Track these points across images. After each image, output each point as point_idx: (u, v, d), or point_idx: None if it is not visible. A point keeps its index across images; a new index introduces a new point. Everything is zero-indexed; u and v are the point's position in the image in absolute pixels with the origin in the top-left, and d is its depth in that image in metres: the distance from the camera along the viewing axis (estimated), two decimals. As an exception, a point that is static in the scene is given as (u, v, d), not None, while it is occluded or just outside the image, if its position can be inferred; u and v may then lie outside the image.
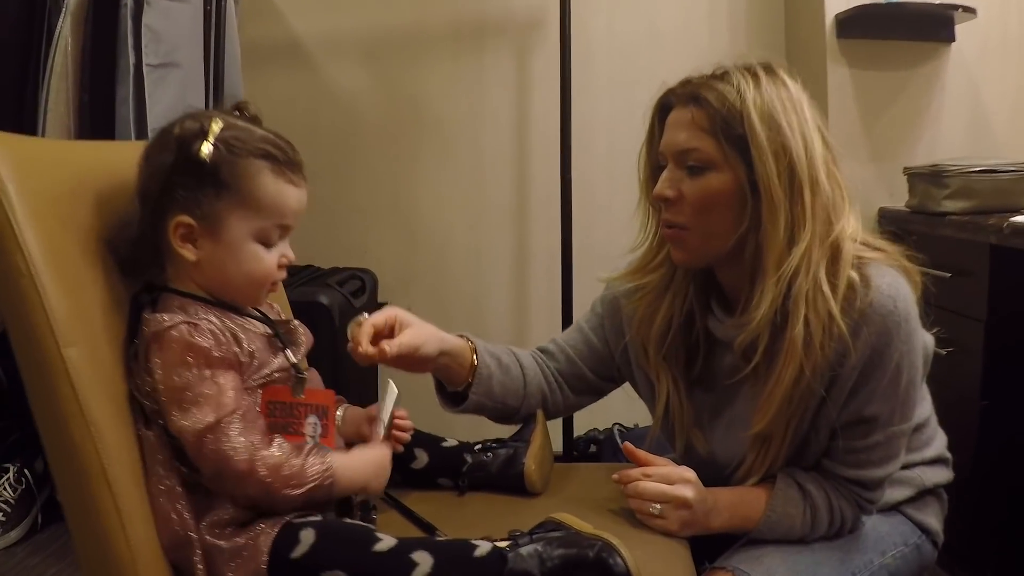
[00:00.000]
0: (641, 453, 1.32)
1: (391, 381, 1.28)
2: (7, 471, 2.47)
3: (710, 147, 1.24)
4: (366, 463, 1.16)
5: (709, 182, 1.25)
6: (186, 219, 1.11)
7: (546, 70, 2.70)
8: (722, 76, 1.26)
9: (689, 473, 1.28)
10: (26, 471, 2.47)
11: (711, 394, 1.40)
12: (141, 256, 1.15)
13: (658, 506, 1.26)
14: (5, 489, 2.43)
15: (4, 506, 2.40)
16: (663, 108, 1.32)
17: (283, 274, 1.19)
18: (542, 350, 1.56)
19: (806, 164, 1.21)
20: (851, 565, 1.32)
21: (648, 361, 1.41)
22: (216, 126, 1.12)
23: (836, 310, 1.20)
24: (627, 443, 1.39)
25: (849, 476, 1.30)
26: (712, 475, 1.33)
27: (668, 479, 1.27)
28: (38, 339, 0.99)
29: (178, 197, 1.11)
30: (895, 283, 1.24)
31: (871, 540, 1.36)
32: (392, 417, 1.26)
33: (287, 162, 1.15)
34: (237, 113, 1.18)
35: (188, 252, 1.13)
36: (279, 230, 1.16)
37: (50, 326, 0.99)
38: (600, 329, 1.51)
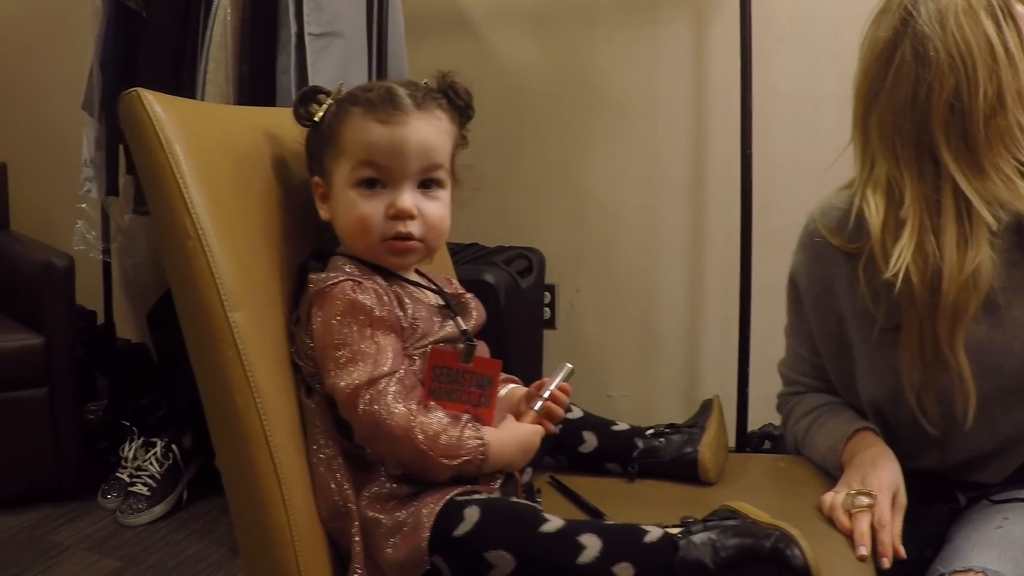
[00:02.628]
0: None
1: (568, 363, 1.27)
2: (154, 445, 2.58)
3: None
4: (515, 440, 1.15)
5: None
6: (316, 179, 1.20)
7: (725, 40, 2.61)
8: None
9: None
10: (173, 447, 2.57)
11: None
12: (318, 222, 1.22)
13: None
14: (152, 463, 2.54)
15: (150, 480, 2.51)
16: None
17: (395, 226, 1.16)
18: (792, 392, 1.54)
19: None
20: None
21: None
22: (342, 90, 1.21)
23: None
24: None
25: None
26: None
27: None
28: (204, 302, 1.03)
29: (314, 160, 1.21)
30: None
31: None
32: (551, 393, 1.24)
33: (380, 101, 1.16)
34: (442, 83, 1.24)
35: (324, 212, 1.20)
36: (369, 169, 1.15)
37: (217, 289, 1.03)
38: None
